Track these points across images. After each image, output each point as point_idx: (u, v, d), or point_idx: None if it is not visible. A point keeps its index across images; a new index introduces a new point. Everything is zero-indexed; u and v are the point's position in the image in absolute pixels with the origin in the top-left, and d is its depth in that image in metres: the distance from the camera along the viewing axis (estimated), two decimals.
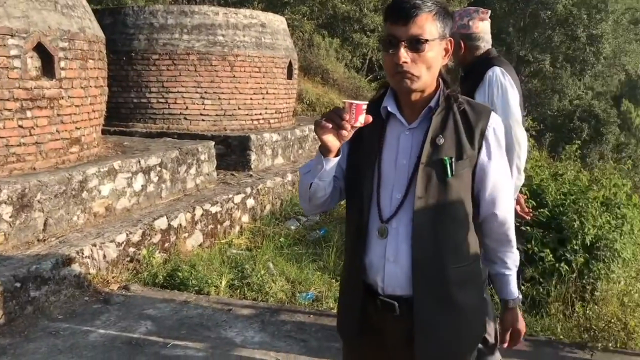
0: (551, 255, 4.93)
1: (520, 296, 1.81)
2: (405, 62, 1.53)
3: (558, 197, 5.35)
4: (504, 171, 1.69)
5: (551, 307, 4.41)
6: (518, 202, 3.12)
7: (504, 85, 2.81)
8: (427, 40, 1.53)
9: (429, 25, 1.53)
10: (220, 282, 4.70)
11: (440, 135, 1.62)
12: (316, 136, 1.58)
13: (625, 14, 32.03)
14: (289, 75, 9.28)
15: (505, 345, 1.81)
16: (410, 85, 1.57)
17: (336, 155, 1.59)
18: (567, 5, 26.10)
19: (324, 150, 1.57)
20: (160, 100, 8.07)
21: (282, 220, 7.10)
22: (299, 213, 7.42)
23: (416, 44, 1.53)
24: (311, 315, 4.05)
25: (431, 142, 1.62)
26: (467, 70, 3.01)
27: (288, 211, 7.41)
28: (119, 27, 8.13)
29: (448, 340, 1.65)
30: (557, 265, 4.90)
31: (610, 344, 3.59)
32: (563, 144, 21.90)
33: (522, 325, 1.80)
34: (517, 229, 5.30)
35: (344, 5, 18.66)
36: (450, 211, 1.62)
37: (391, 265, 1.63)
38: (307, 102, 14.48)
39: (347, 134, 1.53)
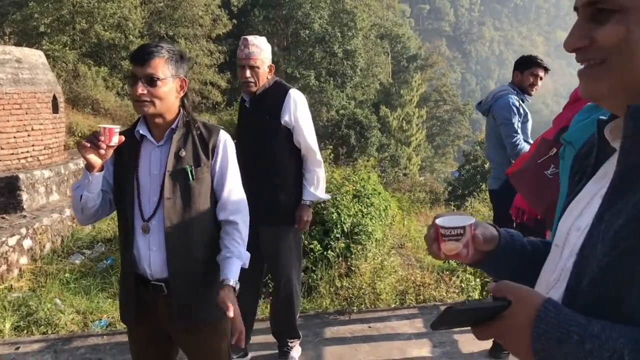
0: (319, 246, 5.70)
1: (238, 286, 2.02)
2: (142, 94, 1.97)
3: None
4: (231, 175, 2.14)
5: (321, 289, 5.14)
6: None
7: (304, 103, 3.38)
8: (158, 79, 1.96)
9: (161, 67, 1.99)
10: (4, 326, 4.59)
11: (183, 149, 2.07)
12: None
13: (372, 30, 36.06)
14: (55, 110, 9.02)
15: (230, 312, 1.90)
16: (146, 110, 2.01)
17: (99, 171, 1.99)
18: (322, 25, 28.62)
19: (89, 167, 1.97)
20: None
21: (65, 256, 6.97)
22: (82, 247, 7.34)
23: (150, 81, 1.97)
24: (104, 337, 4.22)
25: (175, 155, 2.06)
26: (260, 93, 3.30)
27: (70, 246, 7.29)
28: None
29: (197, 308, 2.08)
30: (325, 253, 5.70)
31: (363, 306, 4.38)
32: (339, 151, 24.08)
33: (234, 302, 1.93)
34: None
35: (107, 33, 18.26)
36: (194, 207, 2.07)
37: (155, 254, 2.04)
38: (80, 134, 13.97)
39: (105, 152, 1.94)
